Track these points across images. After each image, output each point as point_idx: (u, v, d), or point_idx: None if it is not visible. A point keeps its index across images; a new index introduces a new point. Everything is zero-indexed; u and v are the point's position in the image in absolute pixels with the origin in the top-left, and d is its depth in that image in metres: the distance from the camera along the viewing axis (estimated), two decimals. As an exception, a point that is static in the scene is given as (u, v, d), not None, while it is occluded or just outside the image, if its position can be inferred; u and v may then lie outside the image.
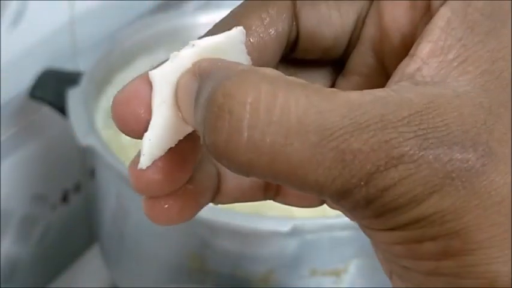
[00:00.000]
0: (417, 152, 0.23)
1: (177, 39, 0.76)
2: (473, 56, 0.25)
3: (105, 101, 0.70)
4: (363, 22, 0.29)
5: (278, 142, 0.23)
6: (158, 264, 0.67)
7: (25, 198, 0.76)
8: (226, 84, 0.24)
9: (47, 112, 0.71)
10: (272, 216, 0.60)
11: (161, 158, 0.27)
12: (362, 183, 0.24)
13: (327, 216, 0.60)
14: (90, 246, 0.83)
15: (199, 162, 0.29)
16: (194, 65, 0.26)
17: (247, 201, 0.31)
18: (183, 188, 0.28)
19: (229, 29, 0.27)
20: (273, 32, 0.28)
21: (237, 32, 0.27)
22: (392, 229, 0.25)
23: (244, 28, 0.27)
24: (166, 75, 0.27)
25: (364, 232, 0.26)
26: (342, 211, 0.26)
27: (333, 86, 0.31)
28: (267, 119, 0.23)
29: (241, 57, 0.27)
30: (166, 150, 0.27)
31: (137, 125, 0.27)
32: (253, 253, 0.62)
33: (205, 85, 0.25)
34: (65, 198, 0.81)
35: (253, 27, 0.28)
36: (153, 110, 0.27)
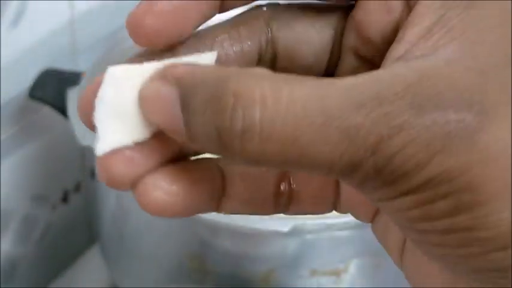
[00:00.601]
0: (415, 119, 0.25)
1: (177, 39, 0.76)
2: (458, 26, 0.27)
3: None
4: (341, 34, 0.30)
5: (288, 130, 0.25)
6: (158, 264, 0.67)
7: (25, 198, 0.76)
8: (230, 86, 0.25)
9: (47, 112, 0.71)
10: (272, 216, 0.60)
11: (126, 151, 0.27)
12: (368, 154, 0.25)
13: (327, 216, 0.60)
14: (90, 246, 0.83)
15: (197, 163, 0.29)
16: (163, 72, 0.27)
17: (255, 211, 0.31)
18: (178, 176, 0.28)
19: (200, 48, 0.28)
20: (238, 49, 0.30)
21: (210, 55, 0.28)
22: (404, 194, 0.26)
23: (209, 43, 0.29)
24: (129, 75, 0.27)
25: (378, 206, 0.28)
26: (355, 187, 0.27)
27: None
28: (276, 111, 0.25)
29: None
30: (119, 146, 0.27)
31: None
32: (253, 253, 0.62)
33: (198, 91, 0.26)
34: (65, 198, 0.81)
35: (220, 42, 0.29)
36: (106, 102, 0.27)
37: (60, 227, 0.81)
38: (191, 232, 0.63)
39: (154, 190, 0.28)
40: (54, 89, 0.69)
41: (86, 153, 0.78)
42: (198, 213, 0.29)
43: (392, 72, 0.26)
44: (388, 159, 0.25)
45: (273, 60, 0.31)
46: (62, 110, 0.68)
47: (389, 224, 0.31)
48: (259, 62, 0.30)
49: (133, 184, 0.28)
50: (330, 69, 0.31)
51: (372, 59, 0.30)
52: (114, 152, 0.27)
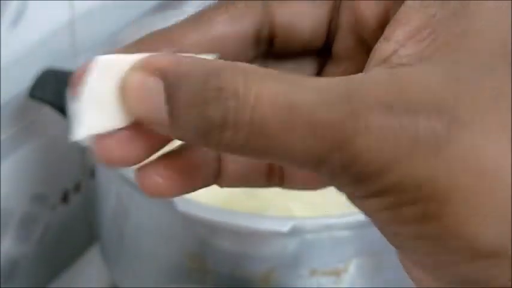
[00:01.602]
0: (382, 121, 0.25)
1: (177, 39, 0.76)
2: (445, 31, 0.26)
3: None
4: (338, 11, 0.30)
5: (256, 123, 0.25)
6: (158, 264, 0.67)
7: (25, 198, 0.76)
8: (213, 81, 0.26)
9: (47, 112, 0.71)
10: (272, 216, 0.60)
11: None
12: (334, 150, 0.25)
13: (327, 216, 0.60)
14: (90, 246, 0.83)
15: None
16: (146, 62, 0.27)
17: (251, 185, 0.32)
18: (174, 162, 0.30)
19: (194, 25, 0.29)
20: (237, 27, 0.30)
21: (210, 58, 0.29)
22: (372, 195, 0.26)
23: (209, 20, 0.30)
24: (115, 64, 0.28)
25: (353, 204, 0.27)
26: (327, 182, 0.27)
27: (320, 73, 0.32)
28: (246, 105, 0.26)
29: None
30: (98, 132, 0.28)
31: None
32: (253, 253, 0.62)
33: (183, 83, 0.26)
34: (65, 198, 0.81)
35: (218, 20, 0.30)
36: (89, 89, 0.28)
37: (60, 227, 0.81)
38: (191, 232, 0.63)
39: (153, 175, 0.29)
40: (54, 89, 0.69)
41: (86, 153, 0.78)
42: (194, 191, 0.31)
43: (368, 74, 0.26)
44: (353, 158, 0.25)
45: (270, 37, 0.31)
46: (62, 110, 0.68)
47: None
48: (258, 38, 0.30)
49: (134, 163, 0.29)
50: (328, 47, 0.31)
51: (365, 40, 0.30)
52: (112, 134, 0.28)
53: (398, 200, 0.25)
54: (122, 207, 0.67)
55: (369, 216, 0.27)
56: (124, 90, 0.27)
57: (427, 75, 0.26)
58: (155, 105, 0.27)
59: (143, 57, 0.27)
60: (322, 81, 0.26)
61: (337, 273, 0.63)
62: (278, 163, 0.27)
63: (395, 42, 0.27)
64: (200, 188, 0.31)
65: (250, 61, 0.31)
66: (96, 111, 0.28)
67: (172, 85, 0.26)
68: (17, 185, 0.74)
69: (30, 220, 0.77)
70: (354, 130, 0.25)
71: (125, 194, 0.65)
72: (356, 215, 0.59)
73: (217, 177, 0.31)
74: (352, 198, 0.27)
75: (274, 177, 0.32)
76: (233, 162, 0.31)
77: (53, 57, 0.72)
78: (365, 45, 0.30)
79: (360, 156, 0.25)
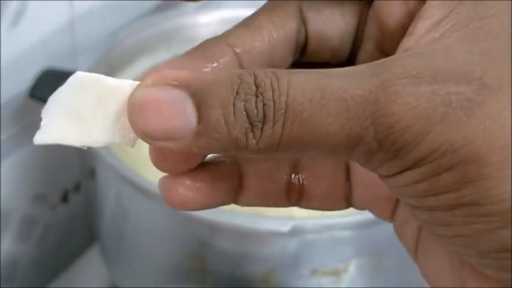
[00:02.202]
0: (413, 88, 0.25)
1: (177, 39, 0.76)
2: (464, 19, 0.27)
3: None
4: (365, 22, 0.31)
5: (290, 108, 0.26)
6: (158, 264, 0.67)
7: (25, 198, 0.76)
8: (246, 79, 0.26)
9: (47, 112, 0.71)
10: (272, 216, 0.60)
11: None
12: (368, 123, 0.25)
13: (327, 216, 0.60)
14: (90, 246, 0.83)
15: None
16: (160, 78, 0.27)
17: (270, 203, 0.32)
18: (200, 176, 0.30)
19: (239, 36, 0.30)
20: (282, 32, 0.30)
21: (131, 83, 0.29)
22: (409, 168, 0.26)
23: (257, 29, 0.30)
24: (95, 84, 0.28)
25: (386, 185, 0.28)
26: (363, 165, 0.27)
27: None
28: (282, 93, 0.26)
29: None
30: (62, 143, 0.29)
31: None
32: (253, 253, 0.62)
33: (215, 87, 0.26)
34: (65, 198, 0.81)
35: (264, 28, 0.30)
36: (62, 100, 0.29)
37: (60, 227, 0.81)
38: (191, 232, 0.63)
39: (180, 187, 0.30)
40: (54, 89, 0.69)
41: (86, 153, 0.78)
42: (217, 206, 0.31)
43: (392, 56, 0.27)
44: (387, 128, 0.25)
45: (304, 44, 0.31)
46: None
47: (405, 219, 0.31)
48: (297, 45, 0.31)
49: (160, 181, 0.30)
50: (353, 57, 0.32)
51: (390, 50, 0.30)
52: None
53: (436, 167, 0.26)
54: (122, 207, 0.67)
55: (402, 194, 0.28)
56: (134, 106, 0.27)
57: (450, 52, 0.26)
58: (179, 115, 0.26)
59: (132, 84, 0.28)
60: (348, 67, 0.27)
61: (337, 273, 0.63)
62: (313, 154, 0.27)
63: (417, 35, 0.28)
64: (221, 204, 0.31)
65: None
66: (65, 124, 0.28)
67: (200, 92, 0.26)
68: (17, 185, 0.74)
69: (30, 220, 0.77)
70: (386, 101, 0.25)
71: (125, 194, 0.65)
72: (356, 215, 0.59)
73: (238, 194, 0.31)
74: (386, 177, 0.27)
75: (293, 193, 0.32)
76: (254, 177, 0.31)
77: (53, 57, 0.72)
78: (387, 56, 0.31)
79: (395, 126, 0.25)
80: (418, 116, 0.25)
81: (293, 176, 0.32)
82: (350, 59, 0.32)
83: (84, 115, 0.28)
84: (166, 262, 0.66)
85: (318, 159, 0.32)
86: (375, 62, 0.27)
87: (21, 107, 0.71)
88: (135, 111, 0.27)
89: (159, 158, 0.29)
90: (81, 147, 0.28)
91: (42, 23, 0.70)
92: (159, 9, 0.84)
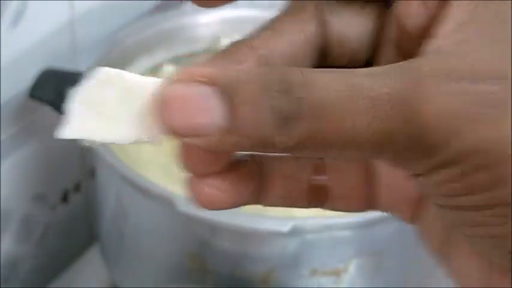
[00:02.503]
0: (443, 86, 0.25)
1: (177, 39, 0.76)
2: (486, 20, 0.27)
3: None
4: (384, 26, 0.31)
5: (318, 103, 0.26)
6: (158, 264, 0.67)
7: (25, 198, 0.76)
8: (276, 75, 0.26)
9: (47, 112, 0.71)
10: (272, 216, 0.60)
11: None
12: (400, 122, 0.25)
13: (327, 216, 0.60)
14: (90, 246, 0.83)
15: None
16: (187, 74, 0.27)
17: (292, 204, 0.32)
18: (228, 175, 0.30)
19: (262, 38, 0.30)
20: (302, 35, 0.30)
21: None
22: (443, 166, 0.26)
23: (278, 32, 0.30)
24: (121, 81, 0.28)
25: (418, 184, 0.27)
26: (391, 163, 0.27)
27: None
28: (310, 89, 0.26)
29: None
30: (86, 139, 0.28)
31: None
32: (253, 253, 0.62)
33: (244, 83, 0.26)
34: (65, 198, 0.81)
35: (286, 30, 0.30)
36: (87, 95, 0.28)
37: (60, 227, 0.81)
38: (191, 232, 0.63)
39: (208, 187, 0.30)
40: (54, 89, 0.69)
41: (86, 153, 0.78)
42: (243, 205, 0.31)
43: (418, 57, 0.27)
44: (420, 126, 0.25)
45: (323, 46, 0.31)
46: (62, 110, 0.68)
47: (431, 221, 0.31)
48: (316, 48, 0.31)
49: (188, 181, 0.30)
50: (371, 60, 0.32)
51: (409, 53, 0.30)
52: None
53: (469, 166, 0.25)
54: (122, 207, 0.67)
55: (432, 193, 0.27)
56: (162, 103, 0.27)
57: (478, 52, 0.26)
58: (205, 112, 0.26)
59: (156, 81, 0.28)
60: (373, 67, 0.27)
61: (337, 273, 0.63)
62: (340, 153, 0.27)
63: (441, 36, 0.27)
64: (246, 204, 0.31)
65: None
66: (91, 120, 0.28)
67: (228, 88, 0.26)
68: (17, 185, 0.74)
69: (30, 220, 0.77)
70: (416, 99, 0.25)
71: (125, 194, 0.65)
72: (356, 215, 0.59)
73: (262, 194, 0.31)
74: (417, 176, 0.27)
75: (316, 194, 0.32)
76: (278, 177, 0.31)
77: (53, 57, 0.72)
78: (407, 58, 0.31)
79: (427, 124, 0.25)
80: (450, 115, 0.25)
81: (317, 176, 0.32)
82: (368, 63, 0.32)
83: (109, 112, 0.28)
84: (166, 262, 0.66)
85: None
86: (401, 62, 0.26)
87: (21, 107, 0.71)
88: (161, 107, 0.27)
89: (187, 157, 0.29)
90: (105, 143, 0.28)
91: (42, 23, 0.70)
92: (159, 9, 0.84)
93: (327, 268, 0.63)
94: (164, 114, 0.27)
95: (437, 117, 0.25)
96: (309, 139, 0.26)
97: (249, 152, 0.30)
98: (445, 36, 0.27)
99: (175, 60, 0.76)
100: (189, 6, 0.80)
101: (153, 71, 0.75)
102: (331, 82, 0.26)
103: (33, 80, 0.70)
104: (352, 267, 0.63)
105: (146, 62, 0.75)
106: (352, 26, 0.31)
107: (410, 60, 0.27)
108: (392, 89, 0.25)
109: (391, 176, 0.31)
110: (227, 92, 0.26)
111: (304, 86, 0.26)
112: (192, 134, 0.27)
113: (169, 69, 0.75)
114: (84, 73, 0.68)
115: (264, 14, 0.76)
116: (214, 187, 0.30)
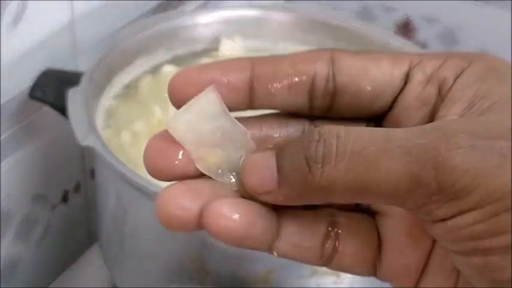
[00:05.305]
0: (470, 140, 0.28)
1: (177, 39, 0.76)
2: (493, 93, 0.31)
3: (105, 101, 0.70)
4: (406, 80, 0.33)
5: (356, 151, 0.29)
6: (158, 264, 0.67)
7: (25, 198, 0.76)
8: (314, 132, 0.30)
9: (47, 112, 0.71)
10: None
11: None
12: (430, 167, 0.28)
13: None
14: (90, 246, 0.83)
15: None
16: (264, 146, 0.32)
17: (304, 255, 0.34)
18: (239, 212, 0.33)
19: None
20: (304, 77, 0.33)
21: (208, 90, 0.32)
22: (468, 210, 0.28)
23: (273, 73, 0.33)
24: (215, 103, 0.32)
25: (436, 232, 0.30)
26: (418, 208, 0.29)
27: None
28: (347, 139, 0.29)
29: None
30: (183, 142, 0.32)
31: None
32: (253, 253, 0.62)
33: (286, 150, 0.31)
34: (65, 198, 0.81)
35: (283, 72, 0.33)
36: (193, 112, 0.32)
37: (60, 227, 0.81)
38: (191, 232, 0.63)
39: (226, 219, 0.32)
40: (54, 89, 0.69)
41: (86, 153, 0.78)
42: (251, 248, 0.34)
43: (447, 119, 0.31)
44: (448, 171, 0.28)
45: (329, 90, 0.34)
46: (62, 110, 0.68)
47: (436, 285, 0.33)
48: (317, 89, 0.33)
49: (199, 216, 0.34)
50: (384, 113, 0.34)
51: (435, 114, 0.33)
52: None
53: (494, 209, 0.28)
54: (122, 207, 0.67)
55: (452, 239, 0.29)
56: (248, 170, 0.31)
57: (496, 117, 0.30)
58: (270, 176, 0.31)
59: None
60: (407, 127, 0.30)
61: (337, 273, 0.63)
62: (371, 197, 0.29)
63: (453, 114, 0.31)
64: (255, 246, 0.34)
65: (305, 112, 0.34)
66: (188, 131, 0.31)
67: (279, 150, 0.31)
68: (17, 185, 0.74)
69: (30, 220, 0.77)
70: (447, 148, 0.28)
71: (125, 194, 0.65)
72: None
73: (275, 240, 0.34)
74: (443, 220, 0.29)
75: (328, 247, 0.33)
76: (293, 225, 0.33)
77: (53, 57, 0.72)
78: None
79: (455, 168, 0.28)
80: (477, 161, 0.28)
81: (330, 228, 0.33)
82: (380, 114, 0.34)
83: (209, 145, 0.32)
84: (166, 262, 0.66)
85: (355, 218, 0.34)
86: (432, 123, 0.30)
87: (21, 107, 0.71)
88: (246, 172, 0.31)
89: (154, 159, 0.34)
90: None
91: (42, 23, 0.70)
92: (159, 9, 0.84)
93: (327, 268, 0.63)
94: (244, 177, 0.32)
95: (464, 162, 0.28)
96: (341, 180, 0.29)
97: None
98: (457, 114, 0.31)
99: (175, 60, 0.76)
100: (189, 6, 0.80)
101: (153, 71, 0.75)
102: (369, 134, 0.29)
103: (33, 80, 0.70)
104: (352, 267, 0.63)
105: (146, 62, 0.75)
106: (364, 75, 0.34)
107: (439, 121, 0.30)
108: (426, 139, 0.28)
109: (397, 243, 0.33)
110: (278, 155, 0.31)
111: (342, 137, 0.29)
112: (260, 193, 0.31)
113: (169, 69, 0.75)
114: (84, 73, 0.68)
115: (264, 14, 0.76)
116: (231, 220, 0.33)
